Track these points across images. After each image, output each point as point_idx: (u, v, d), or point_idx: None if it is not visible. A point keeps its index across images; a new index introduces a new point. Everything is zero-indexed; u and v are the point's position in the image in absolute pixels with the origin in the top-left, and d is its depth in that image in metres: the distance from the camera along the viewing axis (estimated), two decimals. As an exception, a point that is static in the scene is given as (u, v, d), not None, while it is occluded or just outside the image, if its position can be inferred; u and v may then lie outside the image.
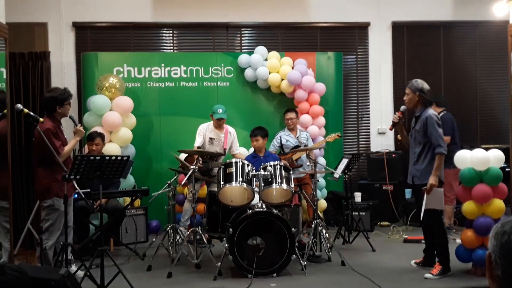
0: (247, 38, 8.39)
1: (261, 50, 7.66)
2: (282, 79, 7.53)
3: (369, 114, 8.63)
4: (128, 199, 6.51)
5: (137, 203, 6.72)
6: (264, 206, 5.28)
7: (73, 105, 6.66)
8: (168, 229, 5.97)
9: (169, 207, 6.01)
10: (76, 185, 4.88)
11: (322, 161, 7.45)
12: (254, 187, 5.38)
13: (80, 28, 7.96)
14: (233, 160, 5.61)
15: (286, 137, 7.14)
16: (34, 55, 6.90)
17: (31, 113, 4.75)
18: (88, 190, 5.42)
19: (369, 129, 8.62)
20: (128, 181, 6.89)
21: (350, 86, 8.56)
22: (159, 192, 6.07)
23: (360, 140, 8.63)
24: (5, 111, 4.92)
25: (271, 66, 7.51)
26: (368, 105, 8.63)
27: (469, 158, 5.10)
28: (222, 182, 5.37)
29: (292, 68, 7.58)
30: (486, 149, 5.24)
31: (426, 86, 5.25)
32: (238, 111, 7.66)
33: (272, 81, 7.53)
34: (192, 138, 6.75)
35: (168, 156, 7.28)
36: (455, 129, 7.01)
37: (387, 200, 7.70)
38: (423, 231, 5.49)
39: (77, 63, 7.87)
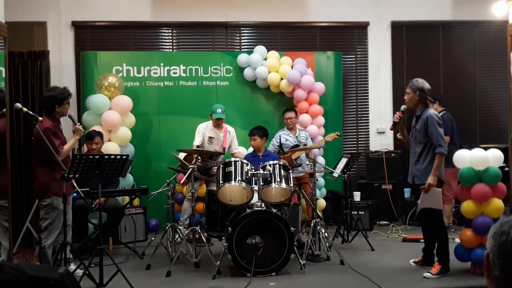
0: (246, 37, 8.39)
1: (260, 49, 7.66)
2: (282, 79, 7.53)
3: (368, 113, 8.63)
4: (127, 198, 6.51)
5: (136, 202, 6.72)
6: (263, 205, 5.28)
7: (72, 104, 6.66)
8: (167, 228, 5.97)
9: (168, 206, 6.01)
10: (75, 184, 4.89)
11: (321, 160, 7.46)
12: (253, 186, 5.38)
13: (79, 27, 7.96)
14: (232, 159, 5.62)
15: (285, 137, 7.15)
16: (33, 54, 6.90)
17: (30, 112, 4.75)
18: (87, 189, 5.42)
19: (368, 128, 8.63)
20: (127, 180, 6.90)
21: (349, 86, 8.56)
22: (158, 191, 6.07)
23: (359, 139, 8.63)
24: (4, 110, 4.91)
25: (270, 66, 7.52)
26: (367, 104, 8.63)
27: (468, 158, 5.10)
28: (221, 181, 5.37)
29: (292, 67, 7.58)
30: (485, 148, 5.24)
31: (426, 85, 5.23)
32: (237, 111, 7.66)
33: (272, 80, 7.54)
34: (191, 137, 6.75)
35: (167, 155, 7.29)
36: (454, 129, 7.02)
37: (386, 200, 7.71)
38: (423, 230, 5.49)
39: (76, 62, 7.87)
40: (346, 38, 8.60)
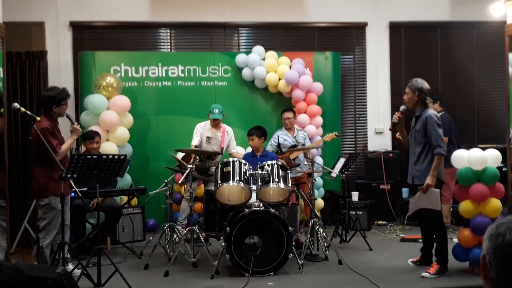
0: (244, 37, 8.39)
1: (258, 49, 7.66)
2: (280, 79, 7.53)
3: (366, 113, 8.64)
4: (125, 198, 6.51)
5: (134, 202, 6.72)
6: (261, 205, 5.28)
7: (70, 104, 6.65)
8: (165, 228, 5.97)
9: (166, 206, 6.00)
10: (73, 184, 4.89)
11: (319, 160, 7.46)
12: (251, 186, 5.38)
13: (77, 27, 7.95)
14: (231, 159, 5.61)
15: (283, 137, 7.15)
16: (31, 54, 6.89)
17: (28, 112, 4.75)
18: (85, 189, 5.42)
19: (366, 128, 8.63)
20: (125, 180, 6.89)
21: (348, 86, 8.57)
22: (156, 191, 6.08)
23: (357, 139, 8.64)
24: (2, 110, 4.91)
25: (268, 66, 7.52)
26: (366, 104, 8.64)
27: (466, 158, 5.11)
28: (219, 181, 5.37)
29: (290, 67, 7.58)
30: (483, 148, 5.24)
31: (426, 85, 5.22)
32: (235, 111, 7.66)
33: (270, 80, 7.54)
34: (189, 137, 6.75)
35: (165, 155, 7.29)
36: (453, 130, 7.02)
37: (384, 199, 7.71)
38: (421, 230, 5.49)
39: (74, 62, 7.86)
40: (345, 38, 8.60)
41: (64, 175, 4.57)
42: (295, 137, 7.13)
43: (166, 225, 5.95)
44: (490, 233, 1.45)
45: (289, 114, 7.18)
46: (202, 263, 5.52)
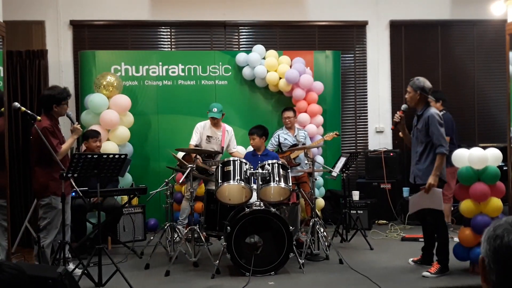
0: (245, 36, 8.38)
1: (259, 48, 7.65)
2: (280, 78, 7.53)
3: (367, 112, 8.63)
4: (126, 198, 6.51)
5: (135, 201, 6.72)
6: (262, 205, 5.28)
7: (71, 103, 6.64)
8: (166, 227, 5.97)
9: (167, 205, 6.00)
10: (73, 184, 4.88)
11: (320, 159, 7.45)
12: (252, 185, 5.38)
13: (78, 26, 7.95)
14: (231, 158, 5.61)
15: (284, 136, 7.15)
16: (32, 53, 6.90)
17: (29, 111, 4.75)
18: (86, 188, 5.41)
19: (367, 127, 8.63)
20: (126, 180, 6.89)
21: (348, 85, 8.56)
22: (157, 190, 6.08)
23: (358, 138, 8.63)
24: (2, 109, 4.91)
25: (269, 65, 7.51)
26: (366, 103, 8.63)
27: (467, 157, 5.10)
28: (220, 181, 5.37)
29: (290, 66, 7.57)
30: (484, 147, 5.23)
31: (428, 84, 5.20)
32: (236, 110, 7.66)
33: (270, 79, 7.53)
34: (190, 137, 6.75)
35: (165, 155, 7.28)
36: (454, 130, 7.02)
37: (385, 199, 7.71)
38: (423, 229, 5.49)
39: (74, 62, 7.85)
40: (345, 37, 8.59)
41: (64, 174, 4.57)
42: (295, 136, 7.12)
43: (167, 224, 5.95)
44: (487, 235, 1.44)
45: (289, 113, 7.18)
46: (203, 262, 5.52)
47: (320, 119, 7.71)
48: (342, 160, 6.58)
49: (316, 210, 5.93)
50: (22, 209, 6.59)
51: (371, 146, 8.47)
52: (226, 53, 7.86)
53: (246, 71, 7.62)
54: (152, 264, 5.57)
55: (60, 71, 7.83)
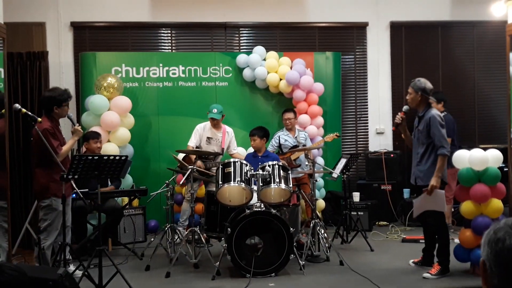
0: (245, 38, 8.38)
1: (259, 50, 7.65)
2: (281, 79, 7.53)
3: (367, 114, 8.63)
4: (126, 199, 6.51)
5: (135, 203, 6.71)
6: (262, 206, 5.28)
7: (71, 105, 6.62)
8: (166, 229, 5.96)
9: (168, 207, 6.00)
10: (74, 185, 4.88)
11: (320, 161, 7.45)
12: (252, 186, 5.38)
13: (78, 28, 7.95)
14: (232, 160, 5.60)
15: (284, 137, 7.15)
16: (32, 55, 6.90)
17: (29, 113, 4.76)
18: (86, 190, 5.41)
19: (367, 129, 8.62)
20: (127, 181, 6.89)
21: (348, 86, 8.56)
22: (158, 192, 6.07)
23: (358, 140, 8.63)
24: (3, 111, 4.91)
25: (269, 66, 7.51)
26: (366, 105, 8.63)
27: (467, 158, 5.10)
28: (220, 182, 5.36)
29: (291, 68, 7.58)
30: (484, 149, 5.23)
31: (429, 85, 5.19)
32: (236, 111, 7.66)
33: (271, 81, 7.53)
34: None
35: (166, 156, 7.28)
36: (455, 131, 7.02)
37: (386, 200, 7.71)
38: (424, 230, 5.48)
39: (75, 63, 7.86)
40: (345, 38, 8.59)
41: (65, 176, 4.57)
42: (296, 137, 7.12)
43: (168, 226, 5.94)
44: (488, 238, 1.42)
45: (290, 115, 7.18)
46: (203, 264, 5.52)
47: (320, 120, 7.71)
48: (343, 161, 6.58)
49: (317, 211, 5.93)
50: (22, 211, 6.59)
51: (372, 147, 8.47)
52: (227, 55, 7.86)
53: (247, 73, 7.62)
54: (153, 265, 5.57)
55: (61, 72, 7.83)
